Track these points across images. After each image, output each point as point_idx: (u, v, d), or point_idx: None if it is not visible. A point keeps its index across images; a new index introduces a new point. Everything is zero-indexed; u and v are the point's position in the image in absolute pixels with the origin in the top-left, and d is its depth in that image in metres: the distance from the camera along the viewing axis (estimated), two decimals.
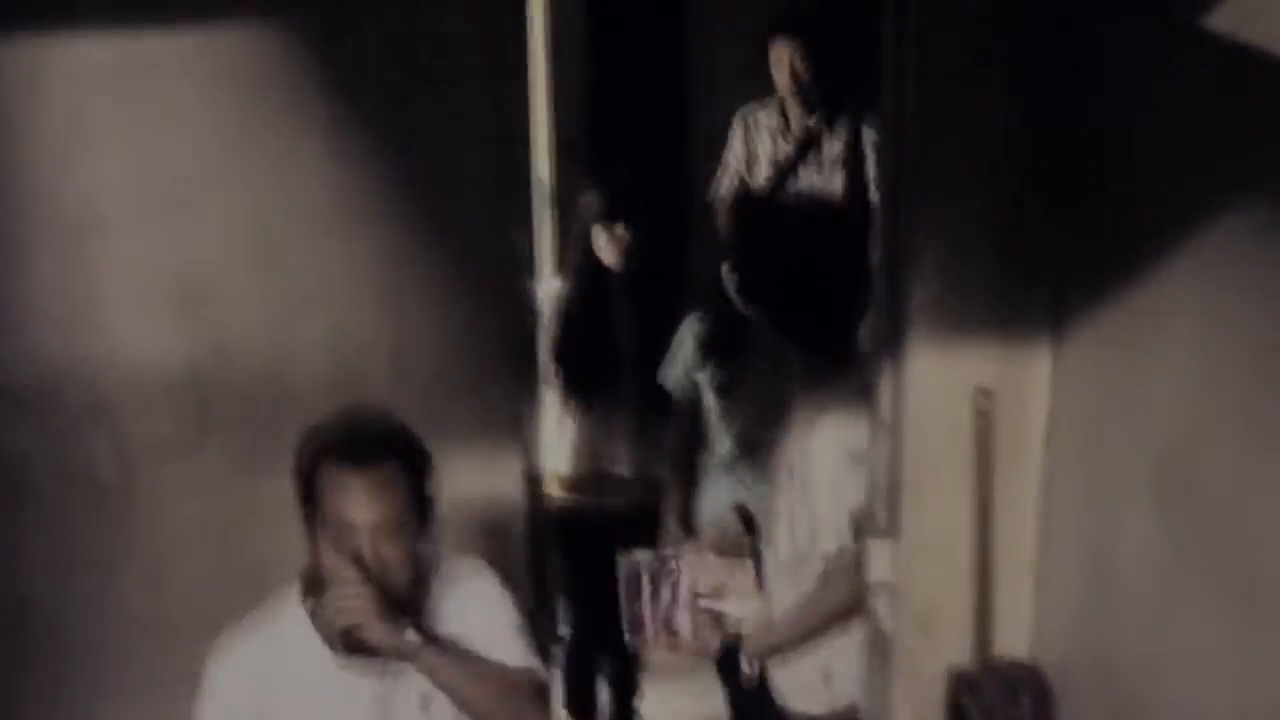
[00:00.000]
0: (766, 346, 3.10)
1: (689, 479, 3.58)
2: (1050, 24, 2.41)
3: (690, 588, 2.98)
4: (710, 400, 3.49)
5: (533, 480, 2.97)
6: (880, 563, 2.74)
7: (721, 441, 3.50)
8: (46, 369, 2.78)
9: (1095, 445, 2.47)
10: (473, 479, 2.82)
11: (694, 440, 3.57)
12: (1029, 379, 2.62)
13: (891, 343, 2.63)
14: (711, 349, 3.44)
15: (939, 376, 2.61)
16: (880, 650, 2.82)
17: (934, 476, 2.64)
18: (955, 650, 2.72)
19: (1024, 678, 2.66)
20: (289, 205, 2.72)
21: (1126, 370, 2.34)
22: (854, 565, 2.82)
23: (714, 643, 2.97)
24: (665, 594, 2.98)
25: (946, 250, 2.56)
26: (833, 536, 2.79)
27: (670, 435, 3.61)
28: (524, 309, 2.84)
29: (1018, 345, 2.60)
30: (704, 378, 3.48)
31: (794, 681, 2.96)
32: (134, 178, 2.73)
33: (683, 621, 2.96)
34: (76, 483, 2.82)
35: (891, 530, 2.71)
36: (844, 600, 2.88)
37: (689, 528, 3.52)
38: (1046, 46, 2.43)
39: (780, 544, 2.94)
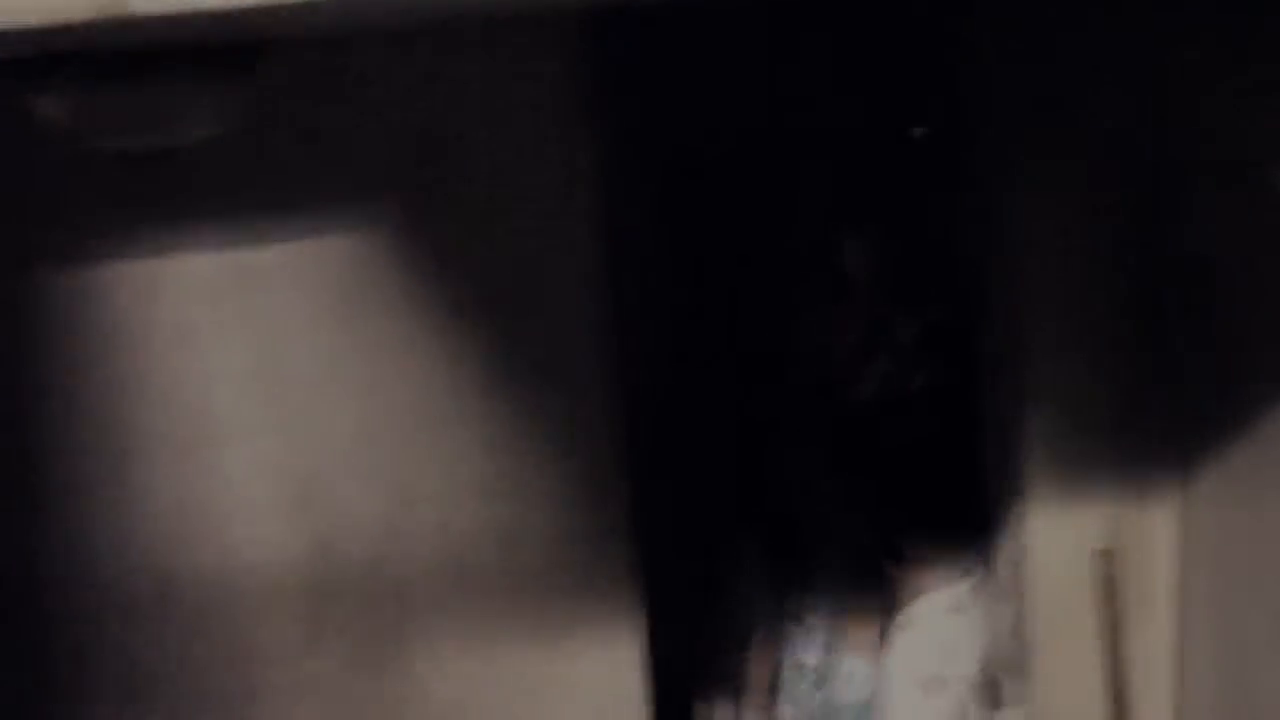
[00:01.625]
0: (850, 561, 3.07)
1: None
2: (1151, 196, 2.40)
3: None
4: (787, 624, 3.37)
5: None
6: None
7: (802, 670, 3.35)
8: (162, 578, 2.80)
9: (1227, 603, 2.42)
10: (589, 666, 2.79)
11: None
12: (1154, 539, 2.58)
13: (1005, 512, 2.60)
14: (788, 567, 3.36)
15: (1056, 541, 2.57)
16: None
17: (1058, 641, 2.60)
18: None
19: None
20: (396, 404, 2.75)
21: (1253, 524, 2.30)
22: None
23: None
24: None
25: (1060, 412, 2.54)
26: None
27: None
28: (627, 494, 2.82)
29: (1136, 503, 2.57)
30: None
31: None
32: (242, 386, 2.76)
33: None
34: (197, 689, 2.82)
35: (1018, 699, 2.66)
36: None
37: None
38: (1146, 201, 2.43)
39: None
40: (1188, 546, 2.54)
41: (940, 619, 2.72)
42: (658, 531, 2.95)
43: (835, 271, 3.85)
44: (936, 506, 2.86)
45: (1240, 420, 2.31)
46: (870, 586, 3.09)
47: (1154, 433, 2.53)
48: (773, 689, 3.38)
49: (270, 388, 2.77)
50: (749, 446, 3.55)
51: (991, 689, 2.67)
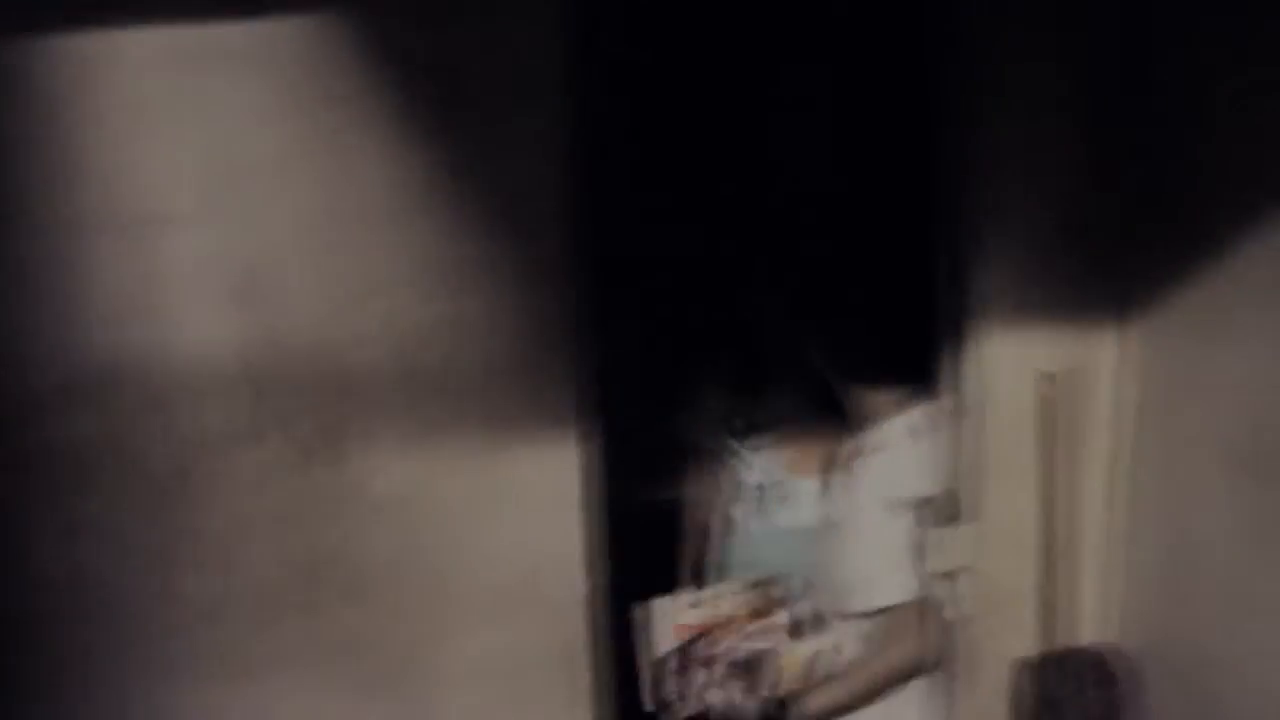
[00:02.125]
0: (801, 384, 3.06)
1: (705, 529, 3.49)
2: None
3: (721, 652, 2.85)
4: (733, 447, 3.41)
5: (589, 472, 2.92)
6: (946, 550, 2.72)
7: (745, 490, 3.42)
8: (104, 361, 2.76)
9: (1171, 429, 2.45)
10: (530, 470, 2.80)
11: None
12: (1095, 364, 2.60)
13: (957, 330, 2.61)
14: (740, 391, 3.37)
15: (1004, 362, 2.59)
16: (947, 640, 2.80)
17: (1002, 462, 2.63)
18: (1022, 638, 2.70)
19: (1091, 665, 2.64)
20: (345, 195, 2.70)
21: (1201, 355, 2.32)
22: (912, 622, 2.75)
23: (749, 711, 2.81)
24: (694, 658, 2.84)
25: (1013, 239, 2.55)
26: (887, 591, 2.72)
27: (689, 482, 3.54)
28: (581, 298, 2.80)
29: (1084, 331, 2.58)
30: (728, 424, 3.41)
31: None
32: (192, 169, 2.71)
33: (713, 690, 2.81)
34: (135, 474, 2.81)
35: (959, 516, 2.69)
36: (901, 661, 2.80)
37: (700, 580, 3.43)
38: (1110, 30, 2.41)
39: (824, 599, 2.86)
40: (1128, 372, 2.57)
41: (901, 442, 2.74)
42: (611, 342, 2.93)
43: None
44: (889, 331, 2.87)
45: (1185, 238, 2.33)
46: (823, 413, 3.11)
47: (1101, 255, 2.54)
48: (716, 507, 3.42)
49: (219, 173, 2.71)
50: (711, 275, 3.54)
51: (947, 507, 2.70)
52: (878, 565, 2.67)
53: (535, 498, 2.81)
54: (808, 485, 3.19)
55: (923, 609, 2.70)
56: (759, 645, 2.84)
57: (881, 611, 2.71)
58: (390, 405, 2.76)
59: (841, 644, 2.81)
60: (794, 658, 2.79)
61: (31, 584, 2.86)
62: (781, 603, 2.92)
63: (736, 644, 2.82)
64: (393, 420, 2.77)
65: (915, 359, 2.79)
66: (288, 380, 2.76)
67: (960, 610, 2.71)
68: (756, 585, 2.96)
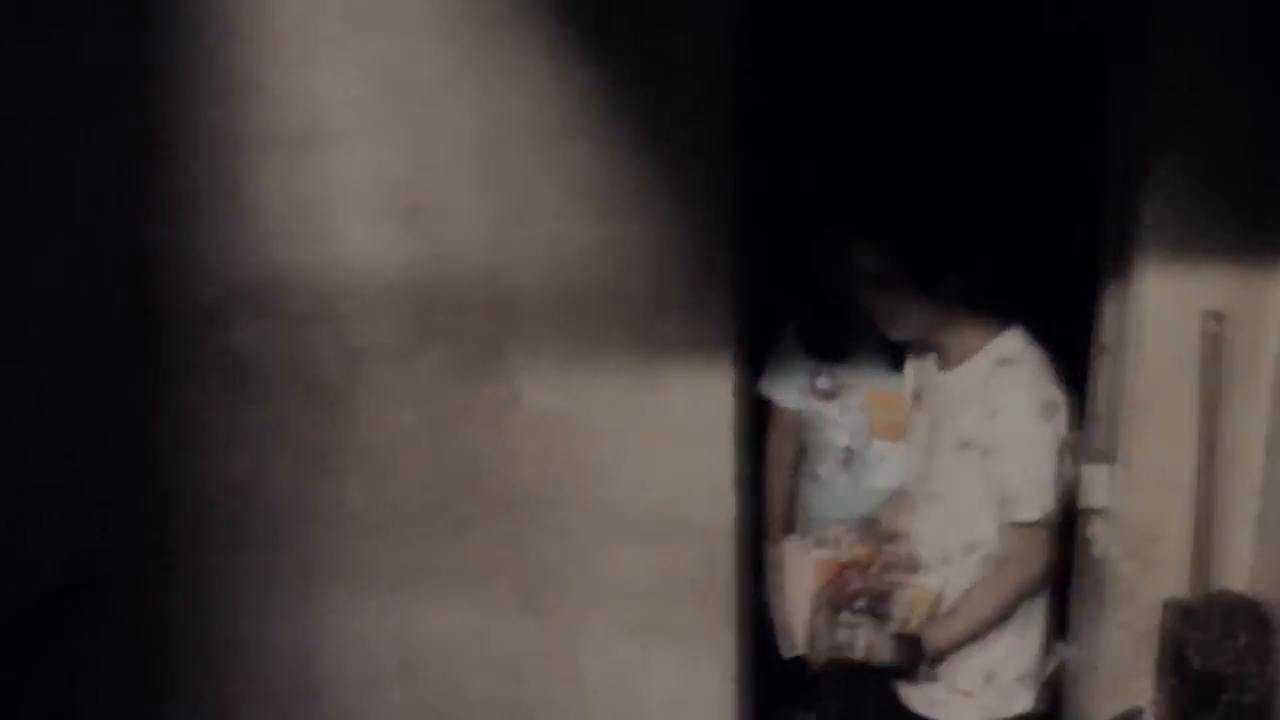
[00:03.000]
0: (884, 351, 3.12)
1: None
2: None
3: (855, 591, 2.87)
4: (818, 405, 3.40)
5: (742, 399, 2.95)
6: (1098, 488, 2.69)
7: (830, 448, 3.41)
8: (275, 272, 2.86)
9: None
10: (683, 394, 2.83)
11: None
12: (1263, 305, 2.55)
13: (1119, 264, 2.58)
14: (820, 350, 3.37)
15: (1168, 299, 2.55)
16: (1095, 579, 2.78)
17: (1158, 401, 2.59)
18: (1173, 580, 2.67)
19: (1243, 611, 2.60)
20: (510, 116, 2.75)
21: None
22: (1040, 540, 2.72)
23: (885, 648, 2.80)
24: (831, 599, 2.85)
25: (1182, 170, 2.50)
26: (1029, 504, 2.67)
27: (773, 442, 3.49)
28: (736, 225, 2.82)
29: (1254, 269, 2.53)
30: (812, 383, 3.41)
31: (951, 685, 2.85)
32: (360, 88, 2.78)
33: (850, 629, 2.82)
34: (301, 383, 2.91)
35: (1111, 455, 2.67)
36: (1023, 582, 2.76)
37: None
38: None
39: (938, 534, 2.84)
40: None
41: (1023, 354, 2.71)
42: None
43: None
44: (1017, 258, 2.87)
45: None
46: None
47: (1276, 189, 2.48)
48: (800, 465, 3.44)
49: (387, 91, 2.78)
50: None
51: (1102, 445, 2.67)
52: (1027, 477, 2.65)
53: (687, 422, 2.85)
54: (894, 448, 3.21)
55: (1049, 526, 2.71)
56: (887, 582, 2.85)
57: (1017, 527, 2.69)
58: (549, 324, 2.82)
59: (958, 576, 2.81)
60: (922, 592, 2.80)
61: (206, 488, 2.98)
62: (891, 540, 2.94)
63: (867, 583, 2.84)
64: (551, 339, 2.82)
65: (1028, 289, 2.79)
66: (450, 296, 2.83)
67: (1108, 548, 2.69)
68: (866, 526, 3.00)
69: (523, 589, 2.99)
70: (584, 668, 3.02)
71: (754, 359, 3.19)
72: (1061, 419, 2.65)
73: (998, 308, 2.78)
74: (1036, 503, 2.64)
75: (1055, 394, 2.65)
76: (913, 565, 2.86)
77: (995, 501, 2.68)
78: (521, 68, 2.73)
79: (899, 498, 3.04)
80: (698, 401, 2.84)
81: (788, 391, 3.41)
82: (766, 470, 3.43)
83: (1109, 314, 2.65)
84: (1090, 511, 2.73)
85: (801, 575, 2.97)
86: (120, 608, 3.06)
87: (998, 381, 2.66)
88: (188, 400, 2.94)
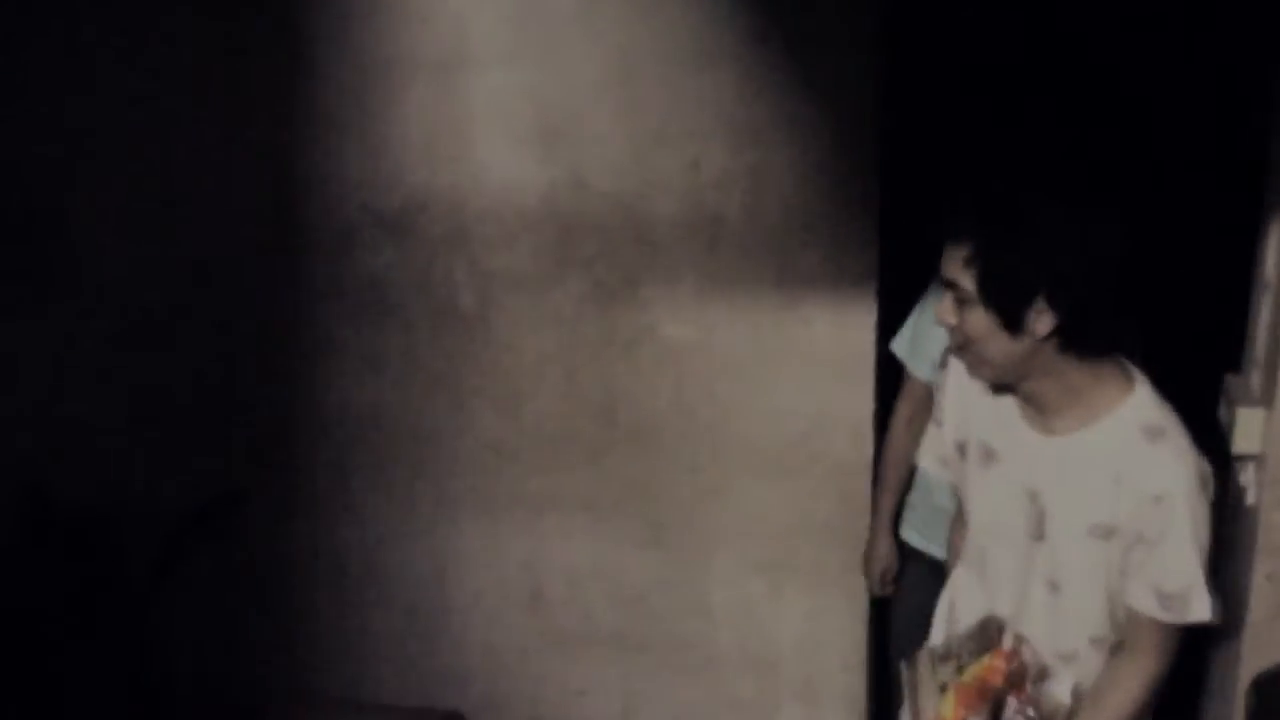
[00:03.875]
0: None
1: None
2: None
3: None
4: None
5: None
6: (1252, 434, 2.59)
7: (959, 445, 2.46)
8: (412, 196, 2.86)
9: None
10: (823, 328, 2.78)
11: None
12: None
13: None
14: None
15: None
16: (1244, 528, 2.68)
17: None
18: None
19: None
20: (650, 42, 2.71)
21: None
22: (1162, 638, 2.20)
23: None
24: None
25: None
26: (1199, 603, 2.13)
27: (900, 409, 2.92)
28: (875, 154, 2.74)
29: None
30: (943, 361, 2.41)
31: None
32: (499, 16, 2.75)
33: None
34: (436, 307, 2.91)
35: (1268, 399, 2.56)
36: (1164, 670, 2.21)
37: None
38: None
39: (1059, 629, 2.28)
40: None
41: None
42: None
43: None
44: None
45: None
46: None
47: None
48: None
49: (530, 19, 2.75)
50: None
51: (1258, 388, 2.53)
52: (1197, 573, 2.12)
53: (827, 356, 2.79)
54: (1031, 438, 2.32)
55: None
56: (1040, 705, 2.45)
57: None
58: (688, 253, 2.77)
59: (1083, 675, 2.40)
60: (1056, 705, 2.41)
61: (338, 411, 3.00)
62: (1001, 630, 2.49)
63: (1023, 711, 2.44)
64: (690, 267, 2.78)
65: None
66: (590, 222, 2.80)
67: (1260, 496, 2.59)
68: (981, 631, 2.51)
69: (652, 522, 2.97)
70: (713, 604, 2.99)
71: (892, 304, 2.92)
72: (1212, 490, 2.13)
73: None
74: (1207, 602, 2.13)
75: (1206, 465, 2.11)
76: (1042, 672, 2.34)
77: (1148, 593, 2.16)
78: None
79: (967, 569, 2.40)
80: (840, 335, 2.78)
81: (920, 360, 2.84)
82: (888, 438, 2.92)
83: (1271, 248, 2.54)
84: (1242, 458, 2.63)
85: (937, 701, 2.41)
86: (254, 529, 3.10)
87: (1154, 458, 2.07)
88: (323, 323, 2.96)
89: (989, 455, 2.23)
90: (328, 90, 2.85)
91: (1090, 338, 2.01)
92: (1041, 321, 1.97)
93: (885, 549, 2.91)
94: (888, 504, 2.91)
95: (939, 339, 2.34)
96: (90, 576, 3.11)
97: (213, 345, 3.02)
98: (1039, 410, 2.13)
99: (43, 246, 3.07)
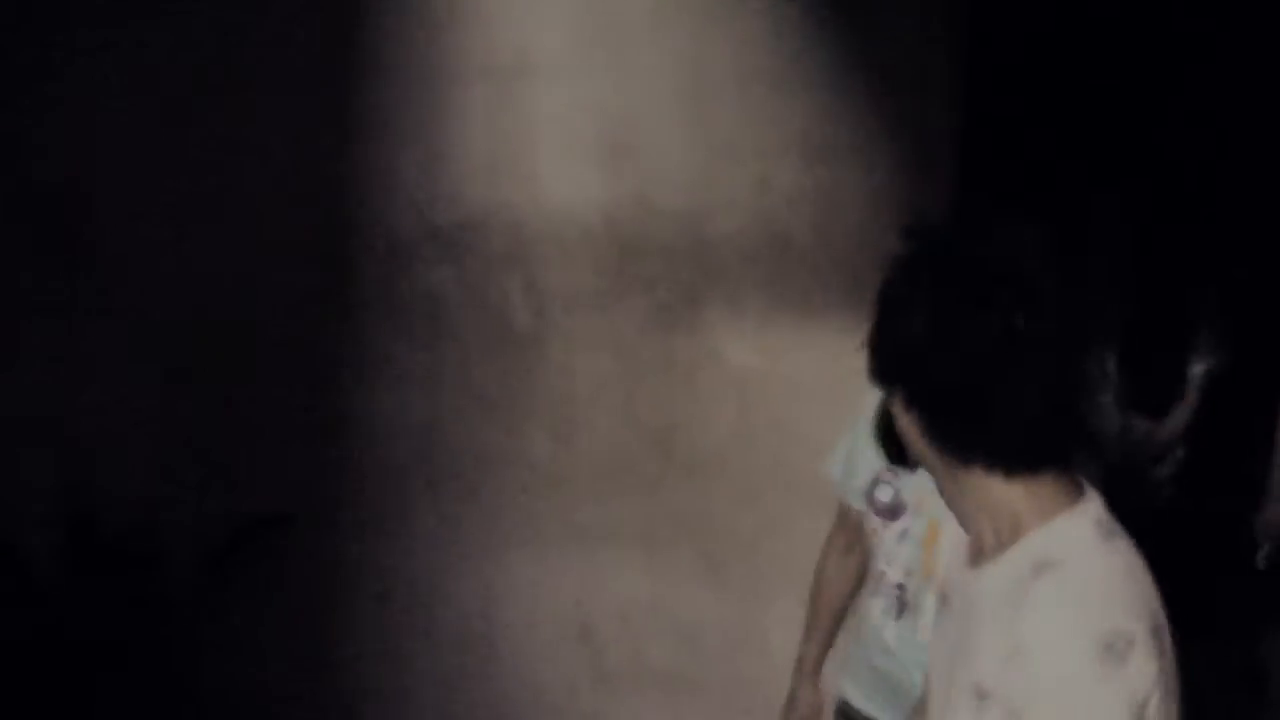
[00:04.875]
0: None
1: None
2: None
3: None
4: (873, 522, 2.22)
5: None
6: None
7: (882, 582, 2.22)
8: (470, 212, 2.79)
9: None
10: None
11: None
12: None
13: None
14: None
15: None
16: None
17: None
18: None
19: None
20: (722, 59, 2.64)
21: None
22: None
23: None
24: None
25: None
26: None
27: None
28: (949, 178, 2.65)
29: None
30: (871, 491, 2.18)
31: None
32: (567, 24, 2.69)
33: None
34: (491, 326, 2.83)
35: None
36: None
37: None
38: None
39: None
40: None
41: None
42: None
43: None
44: None
45: None
46: None
47: None
48: None
49: (598, 30, 2.69)
50: None
51: None
52: None
53: None
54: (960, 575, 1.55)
55: None
56: None
57: None
58: (753, 274, 2.69)
59: None
60: None
61: (387, 429, 2.92)
62: None
63: None
64: (754, 291, 2.69)
65: None
66: (653, 242, 2.71)
67: None
68: None
69: (708, 557, 2.86)
70: (772, 645, 2.86)
71: None
72: (1139, 662, 1.38)
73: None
74: None
75: (1127, 622, 1.39)
76: None
77: None
78: (736, 13, 2.62)
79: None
80: None
81: (852, 486, 2.29)
82: (817, 574, 2.50)
83: None
84: None
85: None
86: (298, 550, 3.02)
87: (1022, 600, 1.45)
88: (374, 339, 2.88)
89: (944, 597, 1.69)
90: (389, 94, 2.79)
91: (970, 449, 1.40)
92: (908, 419, 1.42)
93: (808, 700, 2.42)
94: (814, 651, 2.45)
95: (868, 466, 2.08)
96: (133, 595, 3.04)
97: (264, 359, 2.95)
98: (970, 537, 1.56)
99: (95, 263, 3.02)
